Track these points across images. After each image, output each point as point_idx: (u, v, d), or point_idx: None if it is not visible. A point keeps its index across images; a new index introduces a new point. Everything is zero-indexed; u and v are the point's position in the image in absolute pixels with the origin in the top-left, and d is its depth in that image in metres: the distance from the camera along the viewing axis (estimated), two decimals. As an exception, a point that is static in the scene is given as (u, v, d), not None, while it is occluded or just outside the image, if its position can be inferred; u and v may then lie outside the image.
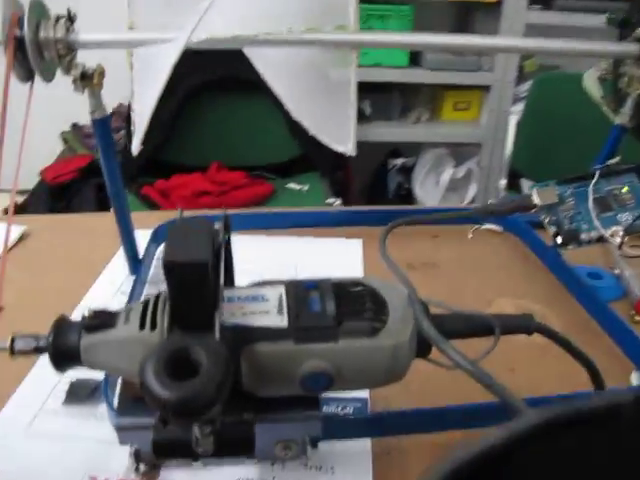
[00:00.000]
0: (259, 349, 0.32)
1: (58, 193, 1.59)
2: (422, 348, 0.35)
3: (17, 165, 0.38)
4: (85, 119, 1.56)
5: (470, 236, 0.69)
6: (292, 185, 1.54)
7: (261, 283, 0.36)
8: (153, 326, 0.32)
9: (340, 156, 0.49)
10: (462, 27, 1.92)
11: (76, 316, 0.33)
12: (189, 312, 0.31)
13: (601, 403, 0.13)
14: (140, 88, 0.44)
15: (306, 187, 1.53)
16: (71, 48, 0.41)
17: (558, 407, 0.12)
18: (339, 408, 0.43)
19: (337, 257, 0.65)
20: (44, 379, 0.46)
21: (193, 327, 0.31)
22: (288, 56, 0.48)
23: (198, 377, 0.26)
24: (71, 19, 0.41)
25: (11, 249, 0.66)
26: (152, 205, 1.39)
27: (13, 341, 0.33)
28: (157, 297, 0.34)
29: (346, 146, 0.47)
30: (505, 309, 0.55)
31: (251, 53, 0.50)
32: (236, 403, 0.32)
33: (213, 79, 1.46)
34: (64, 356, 0.33)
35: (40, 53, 0.41)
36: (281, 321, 0.33)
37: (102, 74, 0.44)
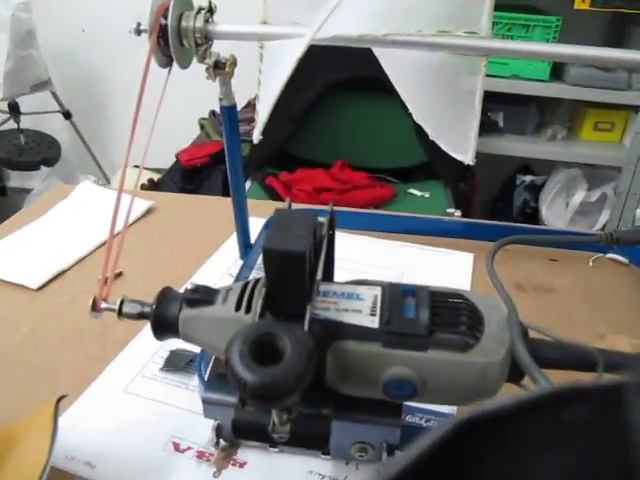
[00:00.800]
0: (346, 347, 0.32)
1: (190, 175, 1.69)
2: (515, 372, 0.33)
3: (146, 145, 0.40)
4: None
5: (591, 264, 0.65)
6: (413, 191, 1.52)
7: (359, 281, 0.36)
8: (248, 309, 0.33)
9: (466, 167, 0.48)
10: (614, 41, 1.80)
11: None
12: (282, 300, 0.32)
13: (602, 384, 0.14)
14: (266, 79, 0.46)
15: (427, 194, 1.51)
16: (208, 38, 0.44)
17: (566, 384, 0.14)
18: (423, 420, 0.42)
19: (446, 268, 0.64)
20: (147, 345, 0.49)
21: (284, 315, 0.32)
22: (415, 58, 0.48)
23: (280, 364, 0.27)
24: (211, 10, 0.44)
25: (136, 221, 0.71)
26: (274, 196, 1.43)
27: (122, 304, 0.36)
28: (256, 281, 0.35)
29: (465, 155, 0.46)
30: (618, 347, 0.51)
31: (379, 52, 0.50)
32: (316, 396, 0.33)
33: (346, 78, 1.48)
34: (164, 325, 0.35)
35: (180, 41, 0.43)
36: (372, 322, 0.33)
37: (234, 64, 0.46)
